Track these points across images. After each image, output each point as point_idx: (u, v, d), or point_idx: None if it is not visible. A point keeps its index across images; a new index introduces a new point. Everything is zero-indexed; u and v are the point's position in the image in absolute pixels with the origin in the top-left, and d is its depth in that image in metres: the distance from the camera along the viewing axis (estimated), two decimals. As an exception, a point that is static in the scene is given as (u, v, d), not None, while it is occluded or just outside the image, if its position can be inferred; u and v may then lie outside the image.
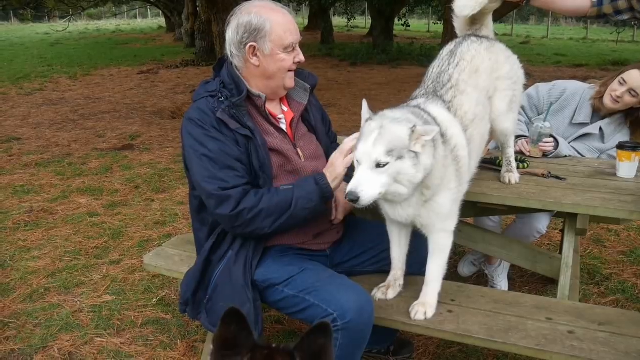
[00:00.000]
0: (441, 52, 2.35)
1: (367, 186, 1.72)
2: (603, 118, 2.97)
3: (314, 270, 2.09)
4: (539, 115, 3.04)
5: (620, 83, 2.85)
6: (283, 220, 2.00)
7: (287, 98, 2.27)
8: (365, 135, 1.76)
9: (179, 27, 20.92)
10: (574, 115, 3.01)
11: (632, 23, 17.69)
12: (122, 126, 7.69)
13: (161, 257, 2.66)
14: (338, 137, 2.60)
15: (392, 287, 2.21)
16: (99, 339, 2.84)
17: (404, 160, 1.73)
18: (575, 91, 3.04)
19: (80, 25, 34.86)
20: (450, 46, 2.33)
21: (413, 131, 1.73)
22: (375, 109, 1.92)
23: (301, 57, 2.13)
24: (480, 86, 2.22)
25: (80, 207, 4.66)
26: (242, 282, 2.05)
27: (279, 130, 2.17)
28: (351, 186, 1.73)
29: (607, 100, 2.89)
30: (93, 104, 9.36)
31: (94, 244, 3.93)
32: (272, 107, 2.21)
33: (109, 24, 36.98)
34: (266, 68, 2.08)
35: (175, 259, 2.63)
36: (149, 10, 41.65)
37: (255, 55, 2.07)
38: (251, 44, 2.05)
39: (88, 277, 3.47)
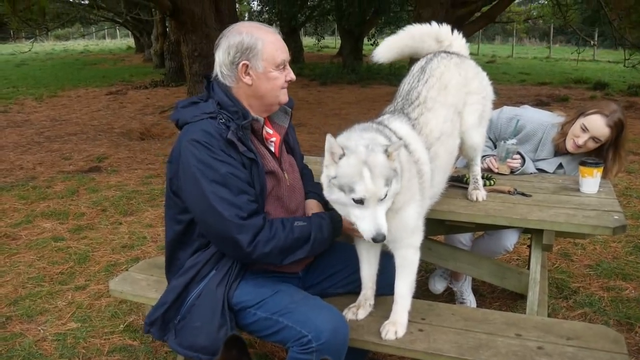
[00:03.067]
0: (412, 68, 2.38)
1: (383, 221, 1.78)
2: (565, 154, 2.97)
3: (287, 292, 2.07)
4: (497, 139, 3.08)
5: (583, 129, 2.80)
6: (295, 258, 2.02)
7: (270, 121, 2.24)
8: (356, 175, 1.75)
9: (148, 47, 20.80)
10: (536, 150, 3.00)
11: (592, 43, 18.28)
12: (89, 148, 7.56)
13: (127, 282, 2.59)
14: (309, 157, 2.60)
15: (362, 307, 2.19)
16: (63, 368, 2.75)
17: (392, 182, 1.79)
18: (537, 128, 2.98)
19: (47, 45, 34.40)
20: (421, 62, 2.38)
21: (388, 155, 1.78)
22: (344, 128, 1.98)
23: (292, 75, 2.13)
24: (448, 102, 2.26)
25: (45, 231, 4.54)
26: (222, 303, 2.01)
27: (271, 152, 2.16)
28: (375, 228, 1.77)
29: (570, 146, 2.85)
30: (59, 126, 9.20)
31: (58, 270, 3.83)
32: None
33: (77, 45, 36.54)
34: (258, 86, 2.06)
35: (142, 283, 2.57)
36: (117, 30, 41.32)
37: (248, 74, 2.05)
38: (244, 62, 2.03)
39: (52, 304, 3.37)
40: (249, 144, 2.03)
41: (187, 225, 2.10)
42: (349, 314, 2.17)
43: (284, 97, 2.15)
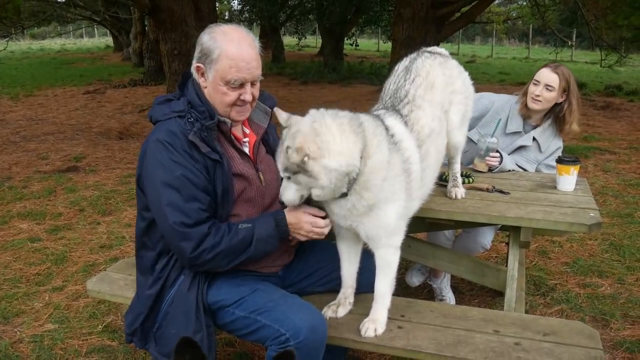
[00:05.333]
0: (396, 68, 2.39)
1: (285, 192, 1.94)
2: (535, 126, 3.09)
3: (266, 291, 2.06)
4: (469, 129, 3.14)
5: (535, 84, 3.03)
6: (241, 260, 1.99)
7: (248, 120, 2.21)
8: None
9: (127, 46, 20.54)
10: (506, 125, 3.11)
11: (569, 43, 18.54)
12: (67, 147, 7.45)
13: (105, 282, 2.56)
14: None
15: (342, 305, 2.20)
16: (39, 370, 2.70)
17: (297, 176, 1.88)
18: (503, 104, 3.16)
19: (23, 44, 33.81)
20: (405, 62, 2.39)
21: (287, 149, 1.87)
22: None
23: (247, 97, 2.01)
24: (435, 101, 2.27)
25: (21, 232, 4.46)
26: (195, 308, 2.00)
27: (243, 154, 2.12)
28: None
29: (530, 103, 3.03)
30: (36, 125, 9.05)
31: (35, 271, 3.77)
32: (236, 130, 2.15)
33: (54, 43, 35.95)
34: (210, 92, 2.04)
35: (119, 283, 2.54)
36: (95, 29, 40.68)
37: (202, 76, 2.04)
38: (198, 64, 2.02)
39: (29, 305, 3.32)
40: (214, 144, 2.00)
41: (149, 223, 2.09)
42: (328, 311, 2.17)
43: (236, 114, 2.06)
